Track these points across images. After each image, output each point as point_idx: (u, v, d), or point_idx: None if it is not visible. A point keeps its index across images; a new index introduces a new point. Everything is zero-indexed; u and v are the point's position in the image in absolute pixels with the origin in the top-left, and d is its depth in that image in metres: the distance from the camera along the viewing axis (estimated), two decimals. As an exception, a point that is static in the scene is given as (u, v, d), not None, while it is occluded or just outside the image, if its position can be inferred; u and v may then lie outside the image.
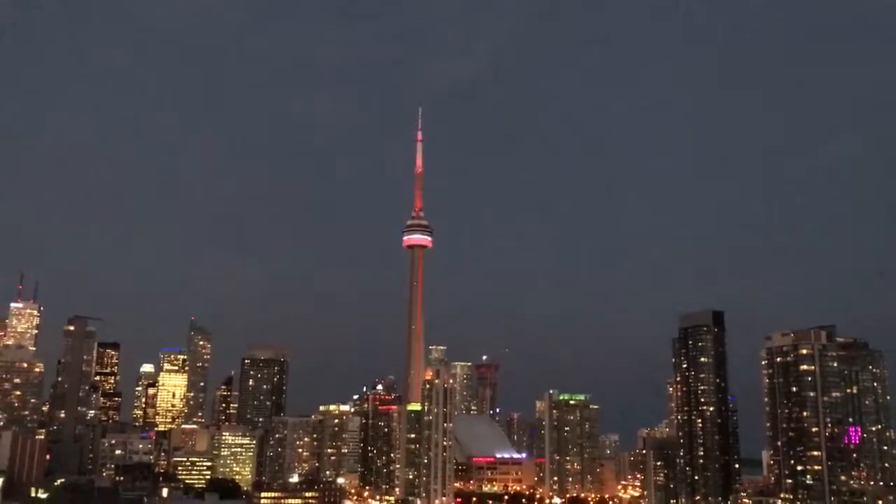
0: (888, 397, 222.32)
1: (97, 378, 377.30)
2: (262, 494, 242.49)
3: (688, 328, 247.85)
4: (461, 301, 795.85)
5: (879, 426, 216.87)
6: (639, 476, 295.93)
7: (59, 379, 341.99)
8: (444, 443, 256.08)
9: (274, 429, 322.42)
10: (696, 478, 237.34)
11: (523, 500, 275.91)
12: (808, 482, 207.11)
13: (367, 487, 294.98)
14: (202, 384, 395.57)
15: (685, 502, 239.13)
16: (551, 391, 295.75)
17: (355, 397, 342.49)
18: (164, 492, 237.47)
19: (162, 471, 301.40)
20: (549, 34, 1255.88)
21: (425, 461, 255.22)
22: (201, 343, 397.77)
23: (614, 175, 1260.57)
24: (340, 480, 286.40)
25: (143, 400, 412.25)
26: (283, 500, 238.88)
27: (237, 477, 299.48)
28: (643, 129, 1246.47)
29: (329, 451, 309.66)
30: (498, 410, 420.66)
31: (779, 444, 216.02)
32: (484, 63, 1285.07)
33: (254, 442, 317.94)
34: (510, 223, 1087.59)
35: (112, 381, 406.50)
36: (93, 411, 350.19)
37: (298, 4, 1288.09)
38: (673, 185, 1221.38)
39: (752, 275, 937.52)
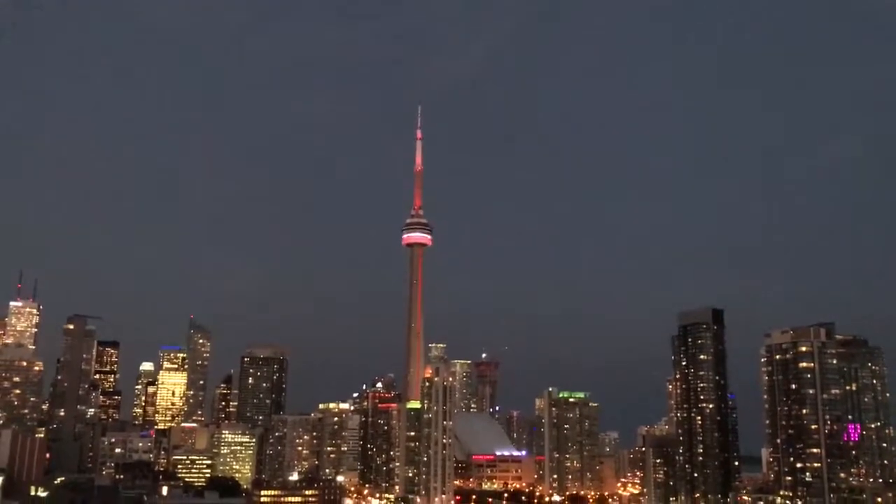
0: (887, 394, 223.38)
1: (97, 376, 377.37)
2: (262, 492, 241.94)
3: (687, 326, 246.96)
4: (461, 300, 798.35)
5: (879, 423, 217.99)
6: (638, 473, 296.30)
7: (59, 377, 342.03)
8: (444, 441, 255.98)
9: (274, 427, 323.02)
10: (696, 475, 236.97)
11: (523, 498, 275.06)
12: (807, 479, 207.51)
13: (366, 485, 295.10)
14: (202, 382, 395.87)
15: (685, 499, 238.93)
16: (551, 389, 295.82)
17: (355, 395, 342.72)
18: (164, 490, 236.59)
19: (162, 469, 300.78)
20: (548, 34, 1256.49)
21: (425, 459, 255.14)
22: (201, 341, 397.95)
23: (614, 175, 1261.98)
24: (340, 478, 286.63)
25: (143, 398, 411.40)
26: (282, 499, 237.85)
27: (237, 475, 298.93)
28: (643, 128, 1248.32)
29: (329, 449, 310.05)
30: (497, 408, 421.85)
31: (778, 441, 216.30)
32: (484, 63, 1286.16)
33: (253, 440, 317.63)
34: (510, 223, 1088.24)
35: (112, 380, 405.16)
36: (92, 410, 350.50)
37: (298, 4, 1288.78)
38: (673, 185, 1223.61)
39: (752, 275, 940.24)
